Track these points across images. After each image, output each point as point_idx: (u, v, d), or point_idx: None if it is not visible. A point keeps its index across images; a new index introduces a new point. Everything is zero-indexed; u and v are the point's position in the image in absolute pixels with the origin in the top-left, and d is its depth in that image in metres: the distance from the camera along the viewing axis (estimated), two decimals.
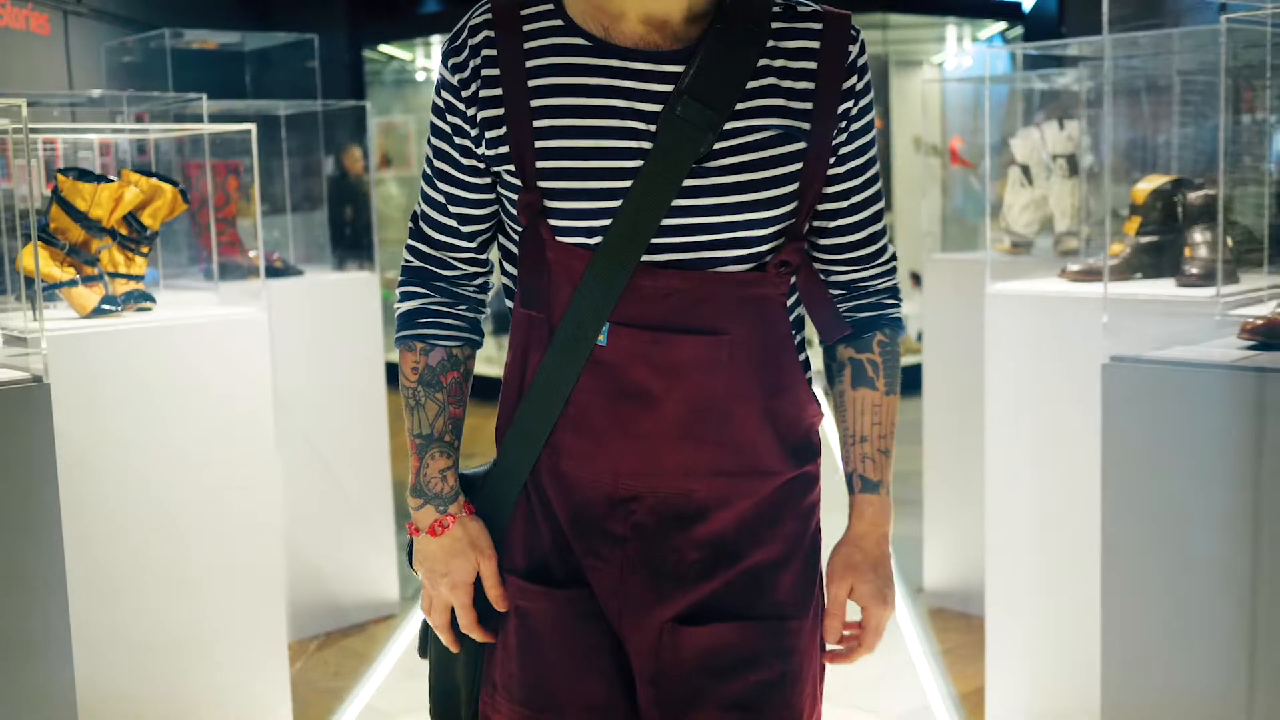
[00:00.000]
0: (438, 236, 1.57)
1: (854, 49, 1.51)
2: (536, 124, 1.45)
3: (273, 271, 4.06)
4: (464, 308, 1.61)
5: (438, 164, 1.54)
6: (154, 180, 3.07)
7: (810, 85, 1.48)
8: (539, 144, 1.45)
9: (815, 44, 1.49)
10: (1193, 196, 2.88)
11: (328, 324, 4.15)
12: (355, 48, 8.70)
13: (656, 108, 1.44)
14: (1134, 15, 3.22)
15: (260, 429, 3.07)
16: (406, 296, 1.60)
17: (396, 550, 4.34)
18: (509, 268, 1.57)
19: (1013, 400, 3.06)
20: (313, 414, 4.07)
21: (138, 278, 3.07)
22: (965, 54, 8.01)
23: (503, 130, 1.46)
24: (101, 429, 2.79)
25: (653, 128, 1.43)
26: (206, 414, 2.96)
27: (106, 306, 2.93)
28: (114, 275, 3.03)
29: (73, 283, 2.92)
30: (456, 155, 1.52)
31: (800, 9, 1.51)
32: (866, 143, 1.56)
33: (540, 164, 1.45)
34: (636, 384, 1.47)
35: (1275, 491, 1.86)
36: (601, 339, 1.46)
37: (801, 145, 1.48)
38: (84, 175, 2.96)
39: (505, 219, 1.55)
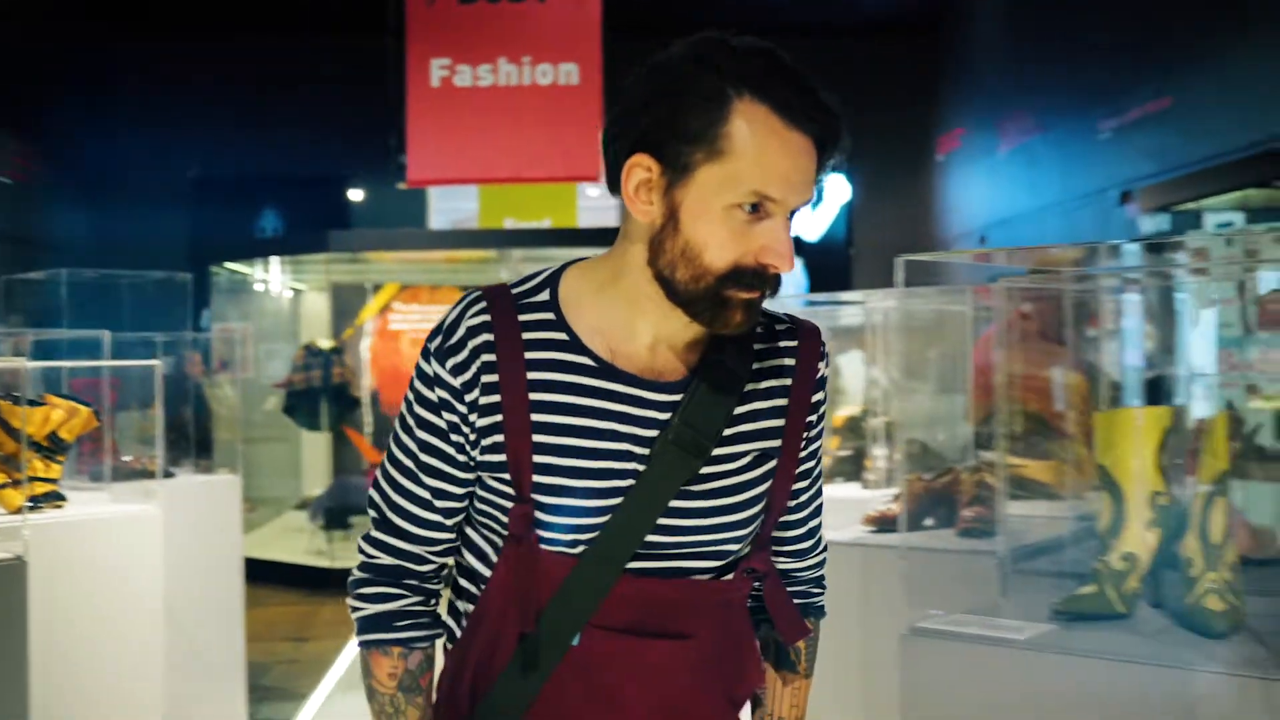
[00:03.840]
0: (418, 531, 1.59)
1: (822, 365, 1.63)
2: (536, 439, 1.50)
3: (139, 474, 4.94)
4: (434, 602, 1.64)
5: (425, 459, 1.56)
6: (71, 402, 4.01)
7: (784, 402, 1.59)
8: (537, 459, 1.50)
9: (790, 361, 1.60)
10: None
11: (190, 523, 5.04)
12: (201, 266, 9.66)
13: (653, 434, 1.52)
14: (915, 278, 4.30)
15: (152, 615, 3.97)
16: (379, 598, 1.61)
17: None
18: (470, 558, 1.62)
19: None
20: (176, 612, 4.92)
21: (54, 480, 3.98)
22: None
23: (500, 438, 1.51)
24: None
25: (647, 451, 1.51)
26: (102, 597, 3.85)
27: (29, 504, 3.83)
28: (35, 479, 3.93)
29: (4, 485, 3.81)
30: (451, 451, 1.54)
31: (777, 325, 1.62)
32: (820, 445, 1.68)
33: (537, 478, 1.50)
34: (606, 685, 1.53)
35: None
36: (575, 639, 1.52)
37: (774, 463, 1.59)
38: (17, 399, 3.88)
39: (478, 515, 1.59)
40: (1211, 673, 1.91)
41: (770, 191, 1.43)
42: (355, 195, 12.80)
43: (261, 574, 7.85)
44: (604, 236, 9.23)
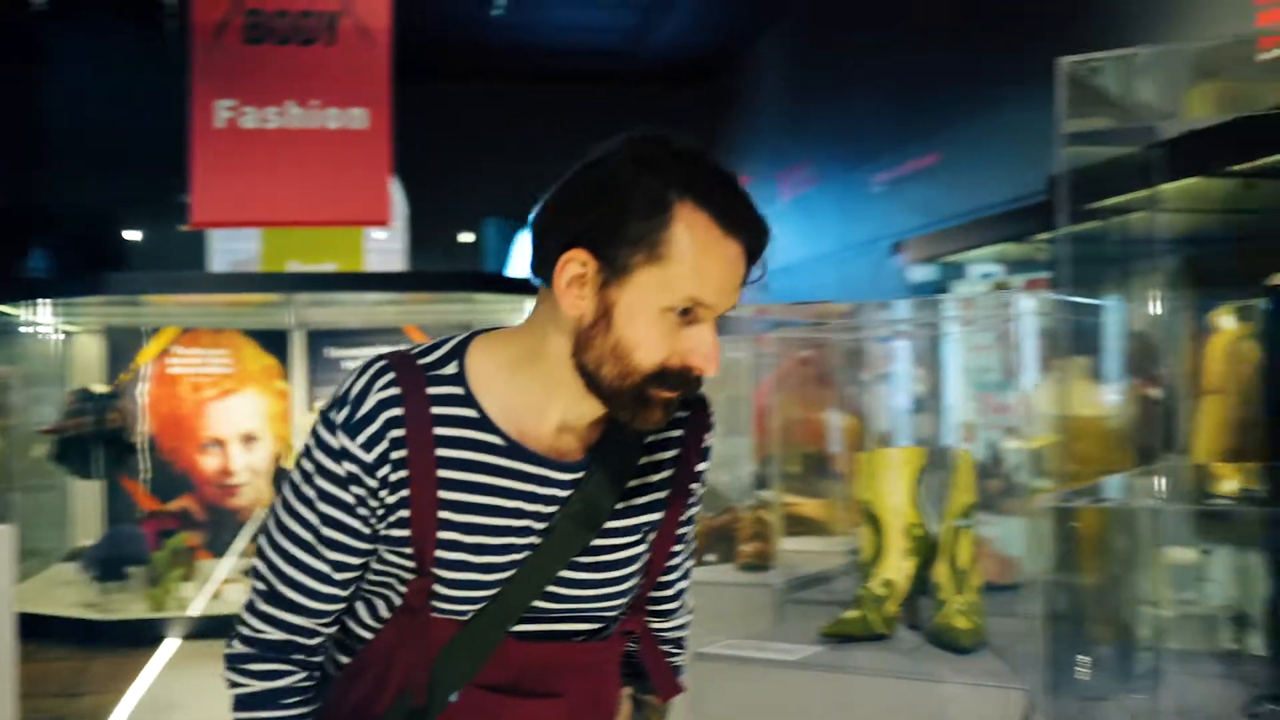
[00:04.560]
0: (312, 604, 1.57)
1: (709, 436, 1.69)
2: (442, 516, 1.52)
3: None
4: (318, 675, 1.64)
5: (328, 532, 1.54)
6: None
7: (671, 473, 1.65)
8: (442, 535, 1.52)
9: (680, 433, 1.66)
10: None
11: None
12: None
13: (553, 509, 1.56)
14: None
15: None
16: (267, 675, 1.59)
17: None
18: (352, 618, 1.62)
19: None
20: None
21: None
22: None
23: (407, 514, 1.52)
24: None
25: (545, 525, 1.55)
26: None
27: None
28: None
29: None
30: (357, 525, 1.54)
31: None
32: (698, 512, 1.75)
33: (440, 554, 1.53)
34: None
35: None
36: (453, 696, 1.56)
37: (656, 532, 1.65)
38: None
39: (369, 582, 1.60)
40: (958, 684, 2.16)
41: (705, 297, 1.46)
42: (131, 235, 12.54)
43: (28, 628, 7.62)
44: (391, 281, 9.32)
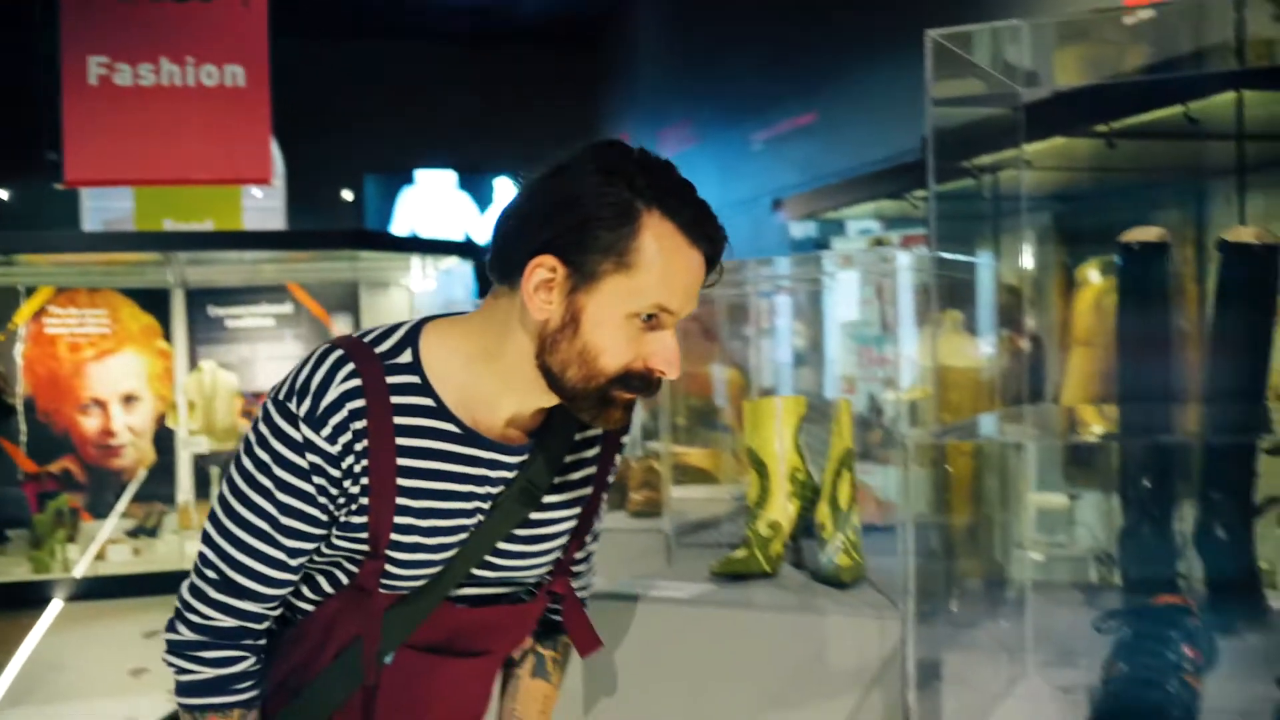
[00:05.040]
0: (267, 590, 1.60)
1: (624, 438, 1.81)
2: (400, 502, 1.58)
3: None
4: (264, 657, 1.68)
5: (287, 521, 1.56)
6: None
7: (598, 451, 1.76)
8: (398, 520, 1.58)
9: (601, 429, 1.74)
10: None
11: None
12: None
13: (497, 490, 1.64)
14: None
15: None
16: (221, 662, 1.61)
17: None
18: (289, 596, 1.68)
19: None
20: None
21: None
22: (430, 279, 9.54)
23: (366, 502, 1.56)
24: None
25: (489, 504, 1.64)
26: None
27: None
28: None
29: None
30: (316, 513, 1.57)
31: None
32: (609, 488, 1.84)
33: (395, 537, 1.59)
34: (410, 697, 1.68)
35: None
36: (388, 659, 1.65)
37: (583, 507, 1.77)
38: None
39: (318, 560, 1.65)
40: (840, 617, 2.31)
41: (670, 304, 1.53)
42: (0, 194, 12.25)
43: None
44: (275, 240, 9.25)
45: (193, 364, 8.90)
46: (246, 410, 8.78)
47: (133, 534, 8.56)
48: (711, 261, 1.56)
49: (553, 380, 1.55)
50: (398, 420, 1.55)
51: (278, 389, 1.58)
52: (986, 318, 2.63)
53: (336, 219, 15.03)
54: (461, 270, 9.76)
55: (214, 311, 9.13)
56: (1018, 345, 2.77)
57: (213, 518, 1.61)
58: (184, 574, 1.67)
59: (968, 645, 2.16)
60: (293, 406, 1.54)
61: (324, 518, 1.57)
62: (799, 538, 2.70)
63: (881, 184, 8.14)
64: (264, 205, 11.62)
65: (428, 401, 1.57)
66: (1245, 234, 2.16)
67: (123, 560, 8.11)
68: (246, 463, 1.57)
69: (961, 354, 2.63)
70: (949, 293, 2.54)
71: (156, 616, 6.68)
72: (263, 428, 1.56)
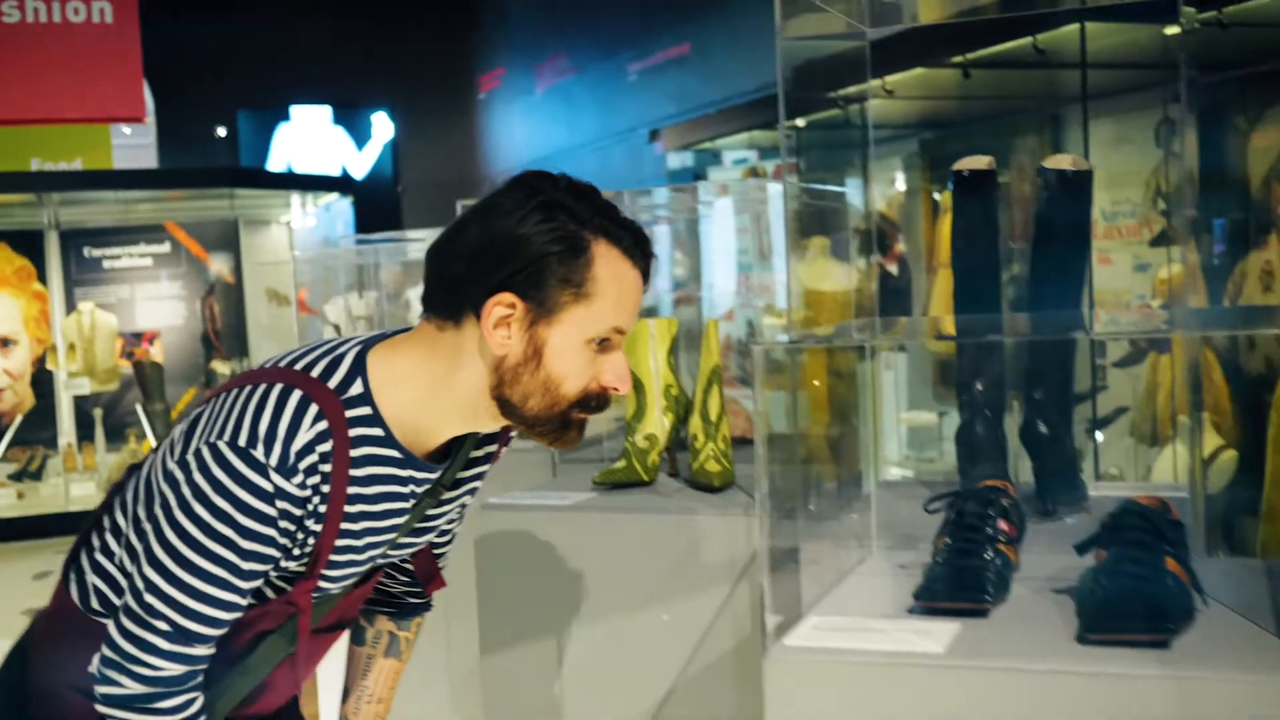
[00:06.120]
0: (218, 632, 1.61)
1: (514, 434, 1.83)
2: (344, 526, 1.62)
3: None
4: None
5: (249, 566, 1.56)
6: None
7: (490, 450, 1.84)
8: (339, 543, 1.64)
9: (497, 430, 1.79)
10: None
11: None
12: None
13: (419, 495, 1.73)
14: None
15: None
16: (180, 708, 1.61)
17: None
18: None
19: None
20: None
21: None
22: (310, 216, 9.59)
23: (319, 528, 1.60)
24: None
25: (409, 507, 1.72)
26: None
27: None
28: None
29: None
30: (275, 552, 1.59)
31: None
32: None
33: (333, 558, 1.65)
34: (298, 666, 1.78)
35: None
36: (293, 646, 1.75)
37: (469, 498, 1.87)
38: None
39: None
40: (709, 516, 2.55)
41: (624, 325, 1.60)
42: None
43: None
44: (146, 179, 9.22)
45: (70, 306, 8.88)
46: (127, 350, 8.79)
47: (15, 478, 8.57)
48: (647, 276, 1.63)
49: (510, 410, 1.61)
50: (352, 453, 1.58)
51: (225, 431, 1.54)
52: (852, 243, 2.84)
53: (210, 156, 14.90)
54: (341, 205, 9.82)
55: (91, 252, 9.09)
56: (885, 268, 2.98)
57: (157, 567, 1.56)
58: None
59: (820, 536, 2.41)
60: (258, 455, 1.52)
61: (280, 555, 1.60)
62: (674, 449, 2.93)
63: (755, 114, 8.37)
64: (134, 143, 11.52)
65: (377, 432, 1.61)
66: (1063, 161, 2.43)
67: (8, 504, 8.11)
68: (200, 510, 1.53)
69: (828, 278, 2.86)
70: (817, 220, 2.76)
71: (45, 559, 6.74)
72: (219, 474, 1.53)
